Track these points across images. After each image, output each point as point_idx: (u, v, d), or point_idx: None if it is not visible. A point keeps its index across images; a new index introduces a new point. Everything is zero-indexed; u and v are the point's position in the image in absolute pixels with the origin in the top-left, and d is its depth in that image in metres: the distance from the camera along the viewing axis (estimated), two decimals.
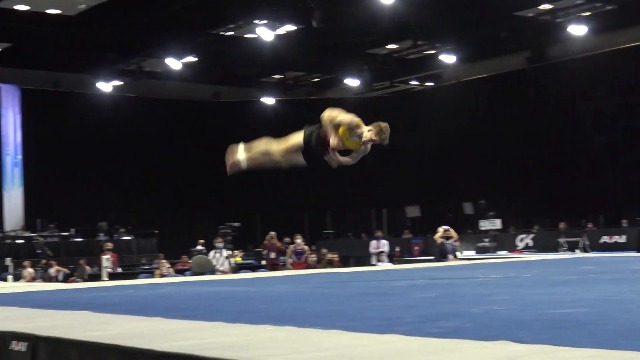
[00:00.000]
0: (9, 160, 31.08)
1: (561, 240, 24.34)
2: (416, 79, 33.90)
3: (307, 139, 8.28)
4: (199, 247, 24.66)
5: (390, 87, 34.21)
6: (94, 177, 31.73)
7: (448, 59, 29.19)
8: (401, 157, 33.16)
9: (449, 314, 4.85)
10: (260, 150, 8.47)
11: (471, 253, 24.91)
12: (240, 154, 8.37)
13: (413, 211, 31.69)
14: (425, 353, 3.29)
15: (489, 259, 19.61)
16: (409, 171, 32.86)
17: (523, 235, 26.18)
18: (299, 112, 35.30)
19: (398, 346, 3.51)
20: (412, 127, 33.42)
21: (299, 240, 21.68)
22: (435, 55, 30.08)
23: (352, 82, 31.65)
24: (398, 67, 31.60)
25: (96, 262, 23.78)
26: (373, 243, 25.69)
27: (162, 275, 18.80)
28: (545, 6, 25.68)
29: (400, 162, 33.09)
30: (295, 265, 20.89)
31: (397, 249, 27.20)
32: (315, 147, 8.24)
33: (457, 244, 21.88)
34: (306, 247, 21.94)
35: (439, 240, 20.68)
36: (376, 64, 30.89)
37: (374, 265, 23.00)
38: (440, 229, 20.76)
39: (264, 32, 25.01)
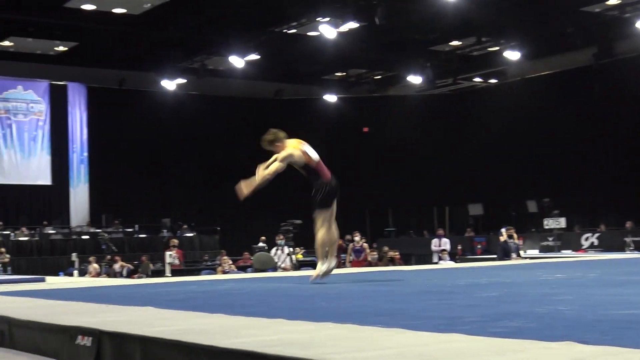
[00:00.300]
0: (75, 158, 31.66)
1: (628, 239, 23.88)
2: (480, 76, 33.60)
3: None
4: (260, 244, 24.81)
5: (453, 84, 33.99)
6: (157, 174, 32.17)
7: (512, 55, 28.85)
8: (464, 154, 32.93)
9: (512, 314, 4.79)
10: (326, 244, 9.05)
11: (535, 252, 24.58)
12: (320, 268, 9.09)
13: (476, 209, 31.43)
14: (489, 353, 3.25)
15: (553, 258, 19.35)
16: (472, 168, 32.58)
17: (588, 234, 25.75)
18: (362, 109, 35.34)
19: (461, 346, 3.47)
20: (475, 124, 33.17)
21: (357, 237, 21.61)
22: (499, 52, 29.77)
23: (415, 79, 31.49)
24: (461, 64, 31.36)
25: (160, 258, 24.09)
26: (434, 241, 25.57)
27: (224, 272, 18.95)
28: (613, 1, 25.24)
29: (463, 160, 32.85)
30: (354, 263, 20.83)
31: (459, 247, 27.02)
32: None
33: (520, 242, 21.62)
34: (365, 245, 21.87)
35: (503, 239, 20.46)
36: (439, 61, 30.69)
37: (435, 263, 22.88)
38: (504, 231, 20.52)
39: (327, 30, 25.01)
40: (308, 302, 6.61)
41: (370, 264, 21.17)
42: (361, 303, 6.33)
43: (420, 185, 33.33)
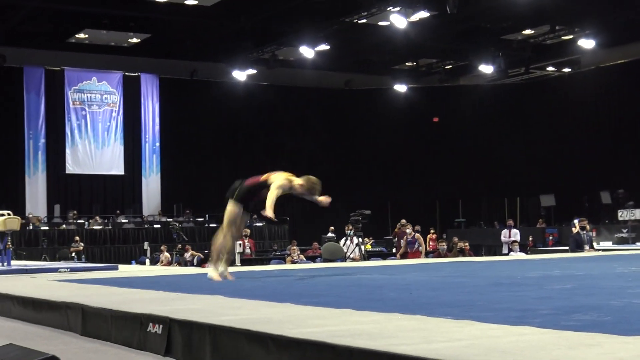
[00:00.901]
0: (147, 148, 32.14)
1: None
2: (553, 65, 33.05)
3: (239, 198, 9.10)
4: (329, 234, 24.87)
5: (526, 73, 33.48)
6: (228, 164, 32.42)
7: (587, 44, 28.27)
8: (536, 144, 32.49)
9: (586, 307, 4.69)
10: (222, 250, 8.89)
11: (608, 244, 24.13)
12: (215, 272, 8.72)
13: (547, 200, 30.95)
14: (561, 347, 3.18)
15: (628, 250, 18.97)
16: (544, 159, 32.14)
17: None
18: (432, 100, 35.08)
19: (533, 338, 3.41)
20: (547, 114, 32.69)
21: (409, 230, 21.26)
22: (573, 41, 29.23)
23: (487, 69, 31.10)
24: (534, 53, 30.89)
25: None
26: (505, 232, 25.28)
27: (293, 262, 19.00)
28: None
29: (535, 150, 32.41)
30: (409, 255, 20.50)
31: (530, 239, 26.69)
32: (244, 196, 9.17)
33: (593, 233, 21.24)
34: (417, 236, 21.49)
35: (576, 231, 20.11)
36: (511, 50, 30.28)
37: (506, 254, 22.62)
38: (577, 222, 20.16)
39: (397, 19, 24.81)
40: (377, 292, 6.58)
41: (439, 255, 20.99)
42: (430, 294, 6.28)
43: (491, 175, 32.99)
